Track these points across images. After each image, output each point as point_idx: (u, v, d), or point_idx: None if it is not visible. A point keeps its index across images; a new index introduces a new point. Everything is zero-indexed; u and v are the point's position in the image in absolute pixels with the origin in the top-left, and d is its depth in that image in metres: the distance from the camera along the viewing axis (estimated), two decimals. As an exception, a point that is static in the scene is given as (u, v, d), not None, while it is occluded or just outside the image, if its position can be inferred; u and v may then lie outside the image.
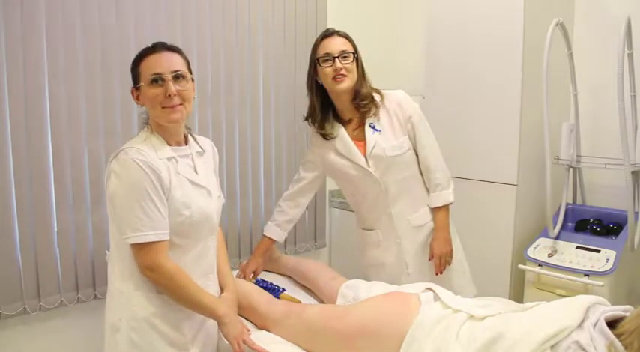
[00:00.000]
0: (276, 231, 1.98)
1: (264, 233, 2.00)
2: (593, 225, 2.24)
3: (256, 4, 2.34)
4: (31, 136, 1.77)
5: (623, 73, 1.93)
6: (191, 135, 1.52)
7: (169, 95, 1.34)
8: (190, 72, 1.43)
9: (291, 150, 2.55)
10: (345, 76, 1.77)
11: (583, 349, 1.12)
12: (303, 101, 2.55)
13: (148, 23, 1.99)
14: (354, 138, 1.85)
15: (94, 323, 1.78)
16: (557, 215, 2.28)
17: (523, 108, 2.24)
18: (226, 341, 1.45)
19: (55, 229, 1.86)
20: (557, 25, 2.06)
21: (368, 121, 1.84)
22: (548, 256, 2.15)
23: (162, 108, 1.36)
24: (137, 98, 1.41)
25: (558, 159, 2.30)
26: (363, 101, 1.82)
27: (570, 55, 2.26)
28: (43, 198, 1.81)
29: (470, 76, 2.40)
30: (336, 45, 1.78)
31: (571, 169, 2.38)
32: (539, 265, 2.15)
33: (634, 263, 2.19)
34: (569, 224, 2.35)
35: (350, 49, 1.80)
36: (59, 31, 1.79)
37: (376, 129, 1.83)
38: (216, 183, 1.55)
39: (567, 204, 2.35)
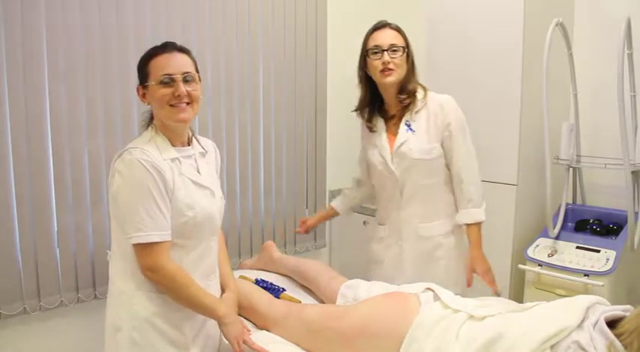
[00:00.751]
0: (338, 203, 2.10)
1: (331, 203, 2.12)
2: (593, 225, 2.24)
3: (256, 3, 2.33)
4: (31, 136, 1.77)
5: (623, 73, 1.93)
6: (194, 136, 1.52)
7: (178, 95, 1.35)
8: (198, 72, 1.43)
9: (291, 150, 2.55)
10: (393, 70, 1.74)
11: (583, 349, 1.12)
12: (303, 101, 2.57)
13: (148, 23, 1.99)
14: (390, 133, 1.84)
15: (94, 323, 1.78)
16: (557, 215, 2.28)
17: (523, 108, 2.24)
18: (227, 342, 1.45)
19: (55, 229, 1.86)
20: (557, 25, 2.07)
21: (405, 118, 1.80)
22: (548, 256, 2.15)
23: (171, 106, 1.35)
24: (143, 96, 1.40)
25: (558, 159, 2.30)
26: (405, 95, 1.79)
27: (570, 55, 2.26)
28: (43, 198, 1.81)
29: (470, 76, 2.40)
30: (385, 38, 1.76)
31: (571, 169, 2.38)
32: (539, 265, 2.15)
33: (634, 263, 2.19)
34: (569, 224, 2.35)
35: (400, 42, 1.76)
36: (59, 31, 1.79)
37: (411, 129, 1.79)
38: (218, 183, 1.55)
39: (567, 204, 2.35)
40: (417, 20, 2.82)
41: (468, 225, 1.81)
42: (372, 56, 1.77)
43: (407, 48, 1.78)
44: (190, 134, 1.50)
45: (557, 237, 2.21)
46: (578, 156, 2.37)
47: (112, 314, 1.41)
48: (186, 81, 1.36)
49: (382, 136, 1.84)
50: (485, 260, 1.82)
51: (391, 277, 1.83)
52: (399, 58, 1.75)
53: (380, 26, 1.79)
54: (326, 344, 1.50)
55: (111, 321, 1.40)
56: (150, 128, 1.42)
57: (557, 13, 2.16)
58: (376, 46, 1.76)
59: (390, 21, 1.84)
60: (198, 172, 1.45)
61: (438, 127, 1.78)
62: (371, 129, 1.88)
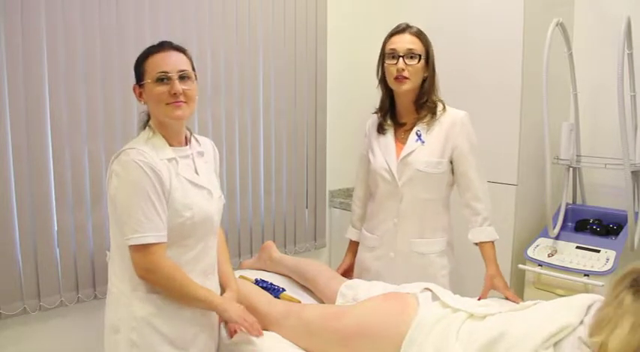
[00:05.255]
0: (356, 234, 2.00)
1: (350, 237, 2.03)
2: (593, 225, 2.24)
3: (256, 3, 2.33)
4: (31, 136, 1.77)
5: (623, 73, 1.93)
6: (192, 135, 1.52)
7: (174, 93, 1.35)
8: (194, 70, 1.43)
9: (291, 150, 2.55)
10: (407, 78, 1.68)
11: (585, 344, 1.12)
12: (303, 101, 2.57)
13: (148, 23, 1.99)
14: (398, 140, 1.79)
15: (94, 323, 1.78)
16: (557, 215, 2.28)
17: (523, 108, 2.24)
18: (226, 342, 1.45)
19: (55, 229, 1.85)
20: (557, 25, 2.07)
21: (416, 128, 1.75)
22: (548, 256, 2.15)
23: (167, 104, 1.36)
24: (139, 95, 1.41)
25: (558, 159, 2.30)
26: (422, 108, 1.74)
27: (570, 55, 2.26)
28: (43, 198, 1.81)
29: (470, 76, 2.40)
30: (403, 43, 1.69)
31: (571, 169, 2.38)
32: (539, 265, 2.15)
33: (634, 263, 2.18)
34: (569, 224, 2.35)
35: (418, 49, 1.69)
36: (59, 31, 1.79)
37: (421, 139, 1.74)
38: (216, 183, 1.55)
39: (567, 204, 2.35)
40: (417, 20, 2.83)
41: (483, 243, 1.76)
42: (387, 61, 1.71)
43: (427, 55, 1.71)
44: (188, 134, 1.50)
45: (557, 237, 2.21)
46: (578, 156, 2.37)
47: (110, 315, 1.41)
48: (181, 79, 1.37)
49: (390, 142, 1.79)
50: (503, 277, 1.77)
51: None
52: (413, 66, 1.68)
53: (399, 30, 1.73)
54: (325, 344, 1.50)
55: (110, 322, 1.40)
56: (147, 128, 1.43)
57: (557, 13, 2.16)
58: (392, 50, 1.70)
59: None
60: (196, 172, 1.46)
61: (449, 143, 1.74)
62: (381, 128, 1.82)
